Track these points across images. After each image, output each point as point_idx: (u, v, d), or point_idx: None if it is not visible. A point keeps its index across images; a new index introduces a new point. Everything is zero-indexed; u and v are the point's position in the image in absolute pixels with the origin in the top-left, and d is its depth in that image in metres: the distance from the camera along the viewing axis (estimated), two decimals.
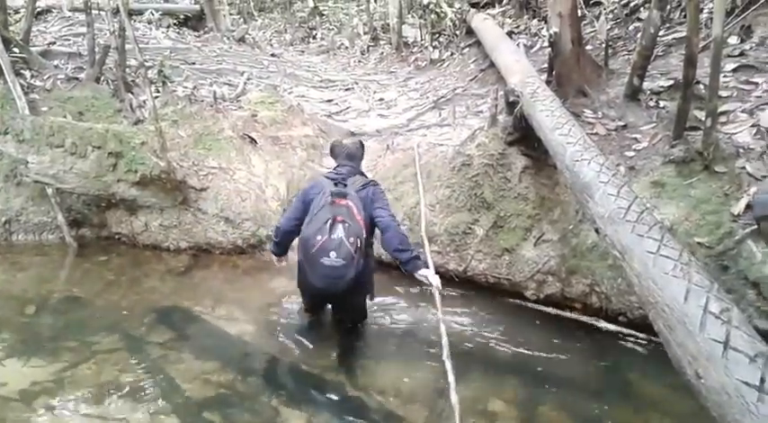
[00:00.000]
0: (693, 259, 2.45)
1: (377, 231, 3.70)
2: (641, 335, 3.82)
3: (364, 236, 3.54)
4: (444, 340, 3.09)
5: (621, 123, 4.87)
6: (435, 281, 3.51)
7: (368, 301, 4.06)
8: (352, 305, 4.00)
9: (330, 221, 3.46)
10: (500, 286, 4.60)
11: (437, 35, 10.75)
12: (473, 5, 10.23)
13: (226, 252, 5.55)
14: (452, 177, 4.92)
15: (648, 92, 5.04)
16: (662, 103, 4.90)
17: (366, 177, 3.89)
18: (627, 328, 3.96)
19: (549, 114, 4.17)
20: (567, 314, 4.26)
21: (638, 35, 5.65)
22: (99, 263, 5.39)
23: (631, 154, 4.51)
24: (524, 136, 4.75)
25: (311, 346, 4.00)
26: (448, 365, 2.93)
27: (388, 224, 3.58)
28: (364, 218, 3.56)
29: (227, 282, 5.10)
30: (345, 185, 3.66)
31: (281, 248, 3.98)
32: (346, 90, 9.36)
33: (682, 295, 2.25)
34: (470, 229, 4.70)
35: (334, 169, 3.89)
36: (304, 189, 3.91)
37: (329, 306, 4.25)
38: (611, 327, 4.02)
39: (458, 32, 10.14)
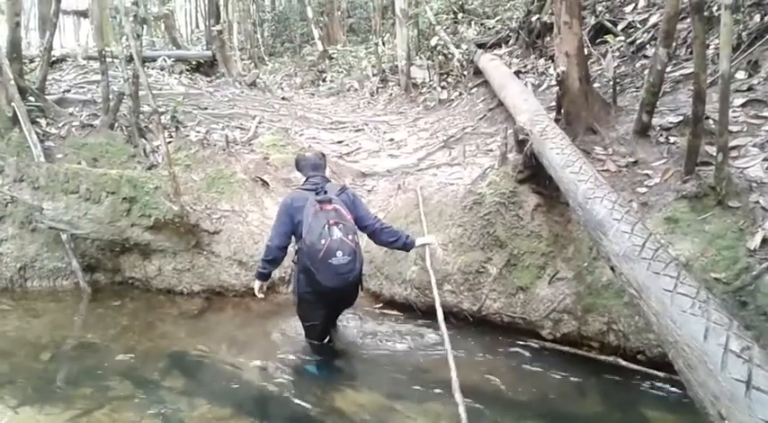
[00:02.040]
0: (711, 296, 2.43)
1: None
2: (661, 373, 3.74)
3: (357, 232, 3.96)
4: (453, 373, 3.10)
5: (632, 160, 4.88)
6: (431, 240, 4.39)
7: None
8: (353, 297, 4.22)
9: (327, 226, 3.78)
10: (515, 325, 4.56)
11: (445, 76, 10.88)
12: (480, 46, 10.37)
13: (239, 295, 5.54)
14: (464, 216, 4.93)
15: (658, 128, 5.05)
16: (672, 139, 4.90)
17: (335, 184, 4.35)
18: (646, 366, 3.87)
19: (559, 152, 4.19)
20: (585, 353, 4.20)
21: (646, 72, 5.70)
22: (113, 308, 5.40)
23: (643, 190, 4.50)
24: (535, 174, 4.78)
25: (326, 389, 3.95)
26: (458, 398, 2.92)
27: (375, 226, 4.17)
28: (352, 217, 3.98)
29: (240, 325, 5.09)
30: (326, 192, 3.99)
31: (274, 266, 4.18)
32: (356, 131, 9.46)
33: (701, 334, 2.22)
34: (484, 267, 4.68)
35: (307, 181, 4.19)
36: (285, 203, 4.11)
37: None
38: (630, 365, 3.95)
39: (465, 73, 10.26)
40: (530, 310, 4.45)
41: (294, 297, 4.23)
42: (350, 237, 3.83)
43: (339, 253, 3.74)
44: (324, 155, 4.58)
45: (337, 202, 3.96)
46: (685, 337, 2.28)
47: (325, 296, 4.00)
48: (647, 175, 4.66)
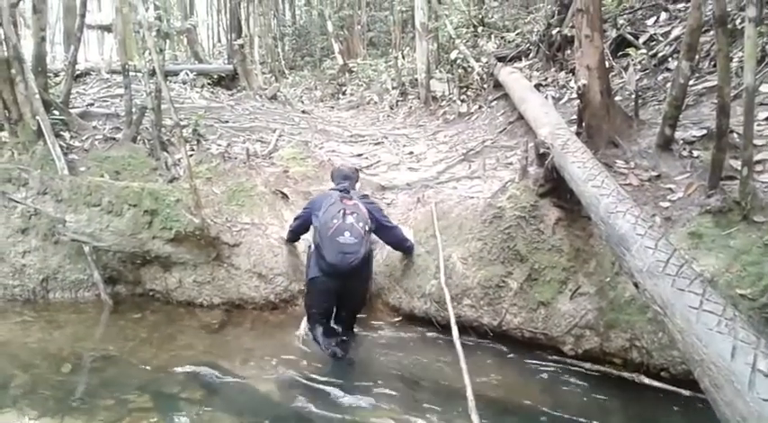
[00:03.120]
0: (738, 314, 2.38)
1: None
2: (686, 392, 3.67)
3: (370, 224, 4.49)
4: (469, 392, 3.17)
5: (655, 173, 4.82)
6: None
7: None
8: (356, 294, 4.75)
9: (342, 212, 4.38)
10: (536, 341, 4.50)
11: (465, 89, 10.86)
12: (500, 59, 10.35)
13: (258, 307, 5.54)
14: (484, 230, 4.90)
15: (681, 141, 5.00)
16: (695, 153, 4.84)
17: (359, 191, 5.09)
18: (670, 384, 3.80)
19: (580, 166, 4.16)
20: (607, 370, 4.13)
21: (668, 85, 5.65)
22: (133, 320, 5.42)
23: (666, 204, 4.44)
24: (556, 187, 4.74)
25: (344, 405, 3.93)
26: (474, 419, 2.98)
27: (390, 227, 4.94)
28: (368, 212, 4.53)
29: (259, 338, 5.09)
30: (348, 192, 4.67)
31: (294, 236, 5.41)
32: (376, 144, 9.46)
33: (728, 352, 2.18)
34: (504, 282, 4.64)
35: (337, 186, 4.89)
36: (311, 200, 5.05)
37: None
38: (654, 383, 3.88)
39: (485, 86, 10.24)
40: (551, 326, 4.40)
41: (305, 284, 4.82)
42: (360, 224, 4.37)
43: (347, 233, 4.28)
44: (357, 170, 5.41)
45: (357, 200, 4.60)
46: (712, 355, 2.24)
47: (329, 276, 4.40)
48: (670, 189, 4.60)
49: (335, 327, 4.80)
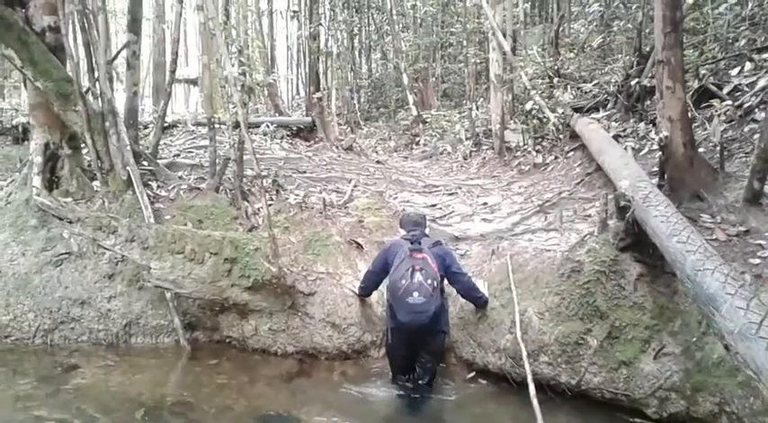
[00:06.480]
0: None
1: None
2: None
3: (438, 279, 4.54)
4: None
5: (743, 229, 4.62)
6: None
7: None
8: (433, 342, 4.79)
9: (410, 270, 4.45)
10: (617, 402, 4.31)
11: (540, 139, 10.79)
12: (576, 110, 10.26)
13: (331, 357, 5.55)
14: (562, 284, 4.78)
15: None
16: None
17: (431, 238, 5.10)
18: None
19: (664, 220, 4.04)
20: None
21: (755, 137, 5.45)
22: (210, 366, 5.51)
23: (757, 261, 4.23)
24: (637, 242, 4.60)
25: None
26: None
27: (463, 282, 4.92)
28: (438, 266, 4.58)
29: (331, 388, 5.08)
30: (420, 243, 4.68)
31: (366, 292, 5.48)
32: (450, 195, 9.45)
33: None
34: (583, 339, 4.49)
35: (408, 234, 4.97)
36: (384, 249, 5.06)
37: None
38: None
39: (561, 137, 10.13)
40: (633, 387, 4.21)
41: (385, 335, 5.01)
42: (429, 281, 4.41)
43: (416, 294, 4.36)
44: (424, 216, 5.49)
45: (428, 252, 4.61)
46: None
47: (402, 331, 4.63)
48: (760, 245, 4.39)
49: (419, 374, 4.90)
